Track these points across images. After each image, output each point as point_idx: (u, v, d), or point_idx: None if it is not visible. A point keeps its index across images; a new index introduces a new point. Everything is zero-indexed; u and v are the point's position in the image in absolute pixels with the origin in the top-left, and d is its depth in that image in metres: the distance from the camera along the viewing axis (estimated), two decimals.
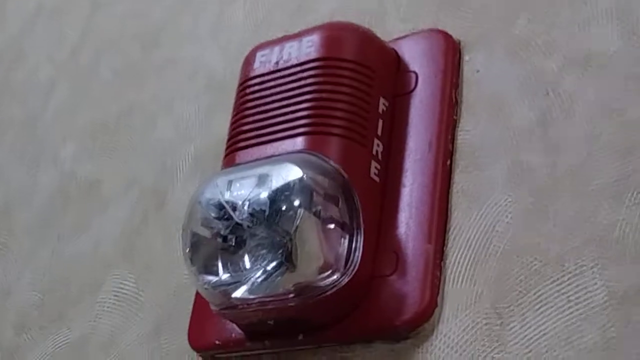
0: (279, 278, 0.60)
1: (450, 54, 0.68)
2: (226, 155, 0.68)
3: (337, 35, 0.67)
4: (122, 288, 0.79)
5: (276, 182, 0.62)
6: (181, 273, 0.75)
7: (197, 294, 0.71)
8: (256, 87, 0.69)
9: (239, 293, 0.62)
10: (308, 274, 0.60)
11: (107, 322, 0.78)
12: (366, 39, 0.68)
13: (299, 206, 0.60)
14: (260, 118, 0.67)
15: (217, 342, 0.68)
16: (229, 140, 0.69)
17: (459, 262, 0.61)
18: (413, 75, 0.68)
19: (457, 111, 0.66)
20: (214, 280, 0.62)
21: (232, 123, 0.69)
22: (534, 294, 0.57)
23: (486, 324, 0.58)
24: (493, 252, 0.59)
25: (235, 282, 0.62)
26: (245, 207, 0.62)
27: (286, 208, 0.60)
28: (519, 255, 0.58)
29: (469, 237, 0.61)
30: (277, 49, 0.69)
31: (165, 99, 0.87)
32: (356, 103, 0.65)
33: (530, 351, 0.55)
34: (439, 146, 0.65)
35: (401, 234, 0.63)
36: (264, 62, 0.70)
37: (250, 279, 0.61)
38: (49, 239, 0.87)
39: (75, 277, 0.83)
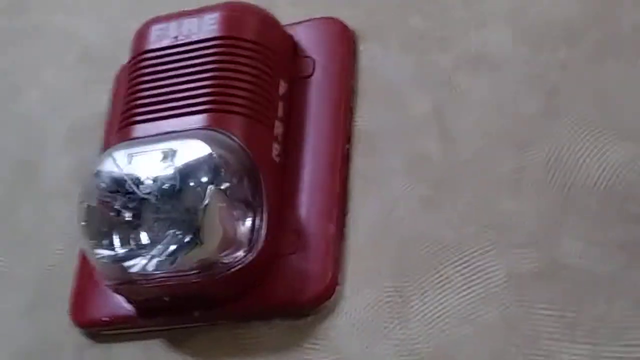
0: (184, 254, 0.60)
1: (346, 42, 0.71)
2: (120, 129, 0.67)
3: (240, 16, 0.68)
4: None
5: (182, 157, 0.61)
6: (55, 248, 0.73)
7: (80, 269, 0.69)
8: (153, 61, 0.67)
9: (138, 267, 0.61)
10: (214, 251, 0.60)
11: None
12: (267, 21, 0.69)
13: (208, 183, 0.60)
14: (158, 93, 0.66)
15: (104, 318, 0.67)
16: (123, 113, 0.67)
17: (359, 243, 0.63)
18: (310, 61, 0.70)
19: (354, 98, 0.69)
20: (112, 254, 0.61)
21: (127, 96, 0.67)
22: (434, 274, 0.60)
23: (387, 302, 0.60)
24: (393, 235, 0.62)
25: (134, 257, 0.61)
26: (150, 182, 0.61)
27: (194, 184, 0.60)
28: (419, 239, 0.61)
29: (368, 220, 0.64)
30: (174, 24, 0.69)
31: (31, 68, 0.84)
32: (258, 83, 0.66)
33: (431, 328, 0.58)
34: (337, 130, 0.67)
35: (302, 214, 0.64)
36: (160, 36, 0.69)
37: (151, 253, 0.61)
38: None
39: None
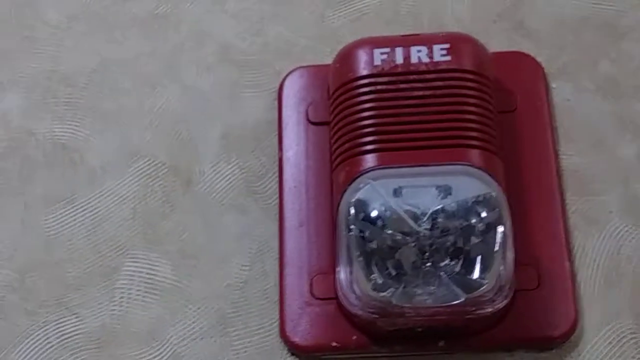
0: (468, 290, 0.61)
1: (541, 78, 0.74)
2: (357, 154, 0.65)
3: (470, 48, 0.68)
4: (153, 276, 0.70)
5: (459, 195, 0.62)
6: (237, 264, 0.70)
7: (288, 290, 0.67)
8: (387, 86, 0.67)
9: (410, 300, 0.61)
10: (494, 289, 0.62)
11: (139, 312, 0.69)
12: (487, 53, 0.70)
13: (494, 224, 0.61)
14: (404, 120, 0.65)
15: (334, 344, 0.66)
16: (357, 137, 0.66)
17: (592, 281, 0.67)
18: (513, 94, 0.72)
19: (556, 135, 0.72)
20: (393, 290, 0.61)
21: (367, 118, 0.66)
22: None
23: (632, 339, 0.65)
24: (624, 273, 0.67)
25: (407, 290, 0.62)
26: (429, 218, 0.61)
27: (485, 225, 0.61)
28: None
29: (595, 258, 0.68)
30: (399, 50, 0.68)
31: (170, 65, 0.78)
32: (494, 119, 0.67)
33: None
34: (549, 167, 0.70)
35: (535, 250, 0.67)
36: (386, 61, 0.68)
37: (428, 288, 0.61)
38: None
39: (66, 255, 0.71)
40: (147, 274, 0.71)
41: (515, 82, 0.73)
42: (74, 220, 0.73)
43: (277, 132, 0.74)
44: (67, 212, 0.73)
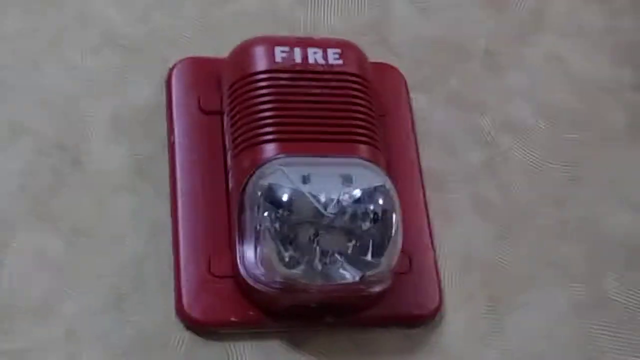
0: (368, 270, 0.67)
1: (404, 89, 0.82)
2: (262, 143, 0.70)
3: (358, 55, 0.75)
4: (43, 252, 0.70)
5: (360, 184, 0.68)
6: (131, 243, 0.72)
7: (178, 266, 0.70)
8: (288, 82, 0.72)
9: (313, 277, 0.67)
10: (386, 271, 0.68)
11: (31, 289, 0.68)
12: (369, 62, 0.77)
13: (391, 212, 0.68)
14: (305, 115, 0.71)
15: (233, 319, 0.69)
16: (262, 127, 0.70)
17: (450, 268, 0.76)
18: (383, 101, 0.80)
19: (417, 140, 0.81)
20: (302, 267, 0.66)
21: (264, 111, 0.71)
22: (520, 298, 0.76)
23: (485, 318, 0.75)
24: (475, 261, 0.77)
25: (310, 267, 0.67)
26: (334, 203, 0.67)
27: (375, 211, 0.68)
28: (497, 269, 0.77)
29: (451, 248, 0.77)
30: (297, 49, 0.74)
31: (55, 43, 0.77)
32: (378, 120, 0.75)
33: (522, 341, 0.74)
34: (413, 169, 0.79)
35: (405, 238, 0.74)
36: (286, 59, 0.73)
37: (333, 266, 0.67)
38: None
39: None
40: (38, 250, 0.71)
41: (383, 90, 0.82)
42: None
43: (165, 118, 0.77)
44: None
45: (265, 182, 0.68)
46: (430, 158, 0.80)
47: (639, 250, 0.80)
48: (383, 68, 0.82)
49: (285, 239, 0.67)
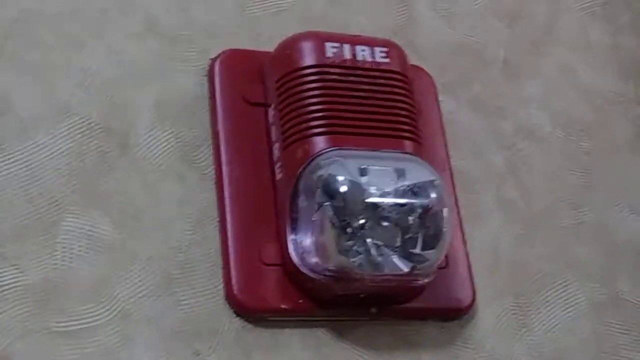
0: (420, 262, 0.69)
1: (434, 91, 0.84)
2: (317, 134, 0.71)
3: (402, 55, 0.78)
4: (94, 233, 0.69)
5: (414, 178, 0.70)
6: (179, 229, 0.72)
7: (227, 254, 0.71)
8: (338, 77, 0.74)
9: (369, 267, 0.68)
10: (435, 264, 0.70)
11: (84, 268, 0.67)
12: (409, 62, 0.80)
13: (442, 205, 0.70)
14: (358, 110, 0.74)
15: (283, 306, 0.70)
16: (321, 119, 0.72)
17: (479, 265, 0.78)
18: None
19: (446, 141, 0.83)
20: (361, 257, 0.67)
21: (323, 103, 0.72)
22: (543, 295, 0.79)
23: (513, 314, 0.78)
24: (502, 260, 0.80)
25: (367, 257, 0.68)
26: (393, 196, 0.69)
27: (427, 205, 0.70)
28: (521, 267, 0.80)
29: (480, 247, 0.79)
30: (347, 46, 0.75)
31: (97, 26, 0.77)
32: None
33: (549, 336, 0.78)
34: (445, 168, 0.81)
35: None
36: (337, 54, 0.74)
37: (387, 257, 0.68)
38: None
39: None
40: (89, 230, 0.70)
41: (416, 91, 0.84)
42: (4, 170, 0.70)
43: (208, 107, 0.77)
44: None
45: (324, 173, 0.70)
46: (459, 159, 0.84)
47: None
48: (413, 70, 0.85)
49: (342, 229, 0.69)
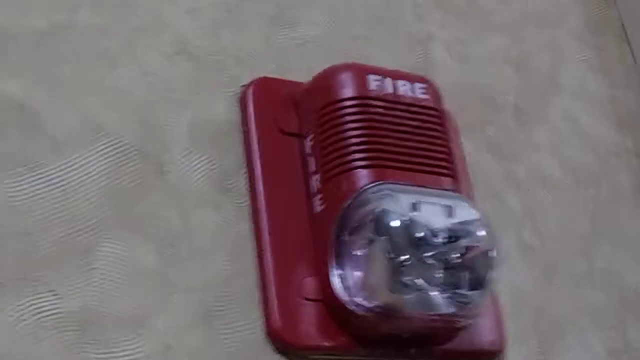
0: (469, 303, 0.67)
1: (457, 131, 0.83)
2: (361, 167, 0.69)
3: (438, 92, 0.77)
4: (133, 260, 0.64)
5: (462, 216, 0.69)
6: (218, 259, 0.69)
7: (267, 288, 0.68)
8: (381, 110, 0.73)
9: (421, 306, 0.66)
10: (482, 304, 0.69)
11: (121, 296, 0.63)
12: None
13: (493, 246, 0.69)
14: (399, 144, 0.72)
15: (325, 344, 0.67)
16: (366, 151, 0.70)
17: (504, 308, 0.77)
18: None
19: None
20: (411, 295, 0.65)
21: (367, 135, 0.71)
22: (564, 341, 0.79)
23: (538, 357, 0.77)
24: (525, 304, 0.79)
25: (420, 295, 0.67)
26: (444, 234, 0.67)
27: (484, 246, 0.69)
28: (542, 313, 0.79)
29: (503, 291, 0.78)
30: (388, 80, 0.74)
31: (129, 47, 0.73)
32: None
33: None
34: None
35: None
36: (380, 87, 0.73)
37: (436, 296, 0.67)
38: None
39: (33, 226, 0.62)
40: (126, 256, 0.66)
41: None
42: (38, 190, 0.65)
43: (242, 135, 0.75)
44: (27, 179, 0.65)
45: (375, 207, 0.68)
46: (480, 200, 0.83)
47: None
48: None
49: (395, 265, 0.67)
